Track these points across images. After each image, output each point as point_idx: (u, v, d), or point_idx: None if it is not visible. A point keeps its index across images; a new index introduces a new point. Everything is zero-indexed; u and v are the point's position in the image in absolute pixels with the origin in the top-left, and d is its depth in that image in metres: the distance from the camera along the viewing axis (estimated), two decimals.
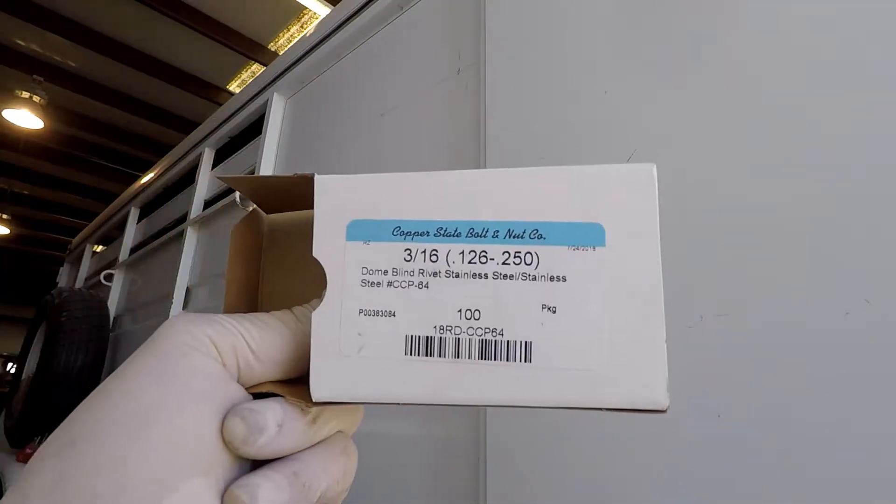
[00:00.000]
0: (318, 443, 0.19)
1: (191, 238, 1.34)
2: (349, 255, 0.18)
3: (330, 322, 0.18)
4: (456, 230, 0.18)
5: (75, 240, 2.62)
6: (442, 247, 0.18)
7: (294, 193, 0.22)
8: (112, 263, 1.88)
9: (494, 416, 0.52)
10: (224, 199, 1.22)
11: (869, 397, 0.34)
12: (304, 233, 0.19)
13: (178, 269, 1.30)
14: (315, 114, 1.04)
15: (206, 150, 1.42)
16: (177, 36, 3.60)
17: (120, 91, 4.25)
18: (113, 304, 1.77)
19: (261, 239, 0.25)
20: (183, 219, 1.43)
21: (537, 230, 0.18)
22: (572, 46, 0.58)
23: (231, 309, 0.22)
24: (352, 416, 0.21)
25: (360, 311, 0.18)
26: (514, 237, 0.18)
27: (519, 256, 0.18)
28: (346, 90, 0.97)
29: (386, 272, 0.18)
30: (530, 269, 0.17)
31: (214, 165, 1.42)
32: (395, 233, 0.18)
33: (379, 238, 0.18)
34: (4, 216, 6.45)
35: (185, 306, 1.29)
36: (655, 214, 0.17)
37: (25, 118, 3.96)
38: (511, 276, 0.18)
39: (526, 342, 0.17)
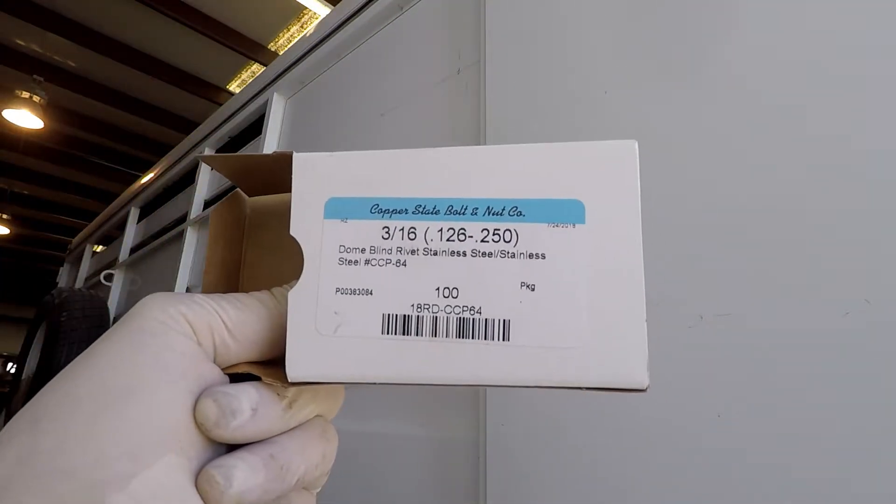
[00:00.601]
0: (296, 427, 0.18)
1: (191, 238, 1.34)
2: (327, 233, 0.18)
3: (307, 301, 0.17)
4: (434, 208, 0.18)
5: (75, 240, 2.62)
6: (420, 224, 0.18)
7: (276, 174, 0.21)
8: (112, 263, 1.88)
9: (494, 416, 0.52)
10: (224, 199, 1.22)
11: (869, 397, 0.34)
12: (286, 215, 0.18)
13: (178, 269, 1.30)
14: (315, 114, 1.04)
15: (206, 150, 1.43)
16: (177, 36, 3.60)
17: (120, 91, 4.25)
18: (113, 304, 1.77)
19: (243, 221, 0.25)
20: (183, 219, 1.43)
21: (517, 207, 0.17)
22: (572, 46, 0.58)
23: (210, 290, 0.22)
24: (331, 399, 0.20)
25: (338, 290, 0.17)
26: (493, 214, 0.17)
27: (498, 234, 0.17)
28: (346, 90, 0.97)
29: (364, 250, 0.18)
30: (509, 247, 0.17)
31: None
32: (373, 210, 0.18)
33: (357, 216, 0.18)
34: (4, 216, 6.45)
35: None
36: (636, 191, 0.17)
37: (25, 118, 3.96)
38: (490, 254, 0.17)
39: (504, 320, 0.17)
